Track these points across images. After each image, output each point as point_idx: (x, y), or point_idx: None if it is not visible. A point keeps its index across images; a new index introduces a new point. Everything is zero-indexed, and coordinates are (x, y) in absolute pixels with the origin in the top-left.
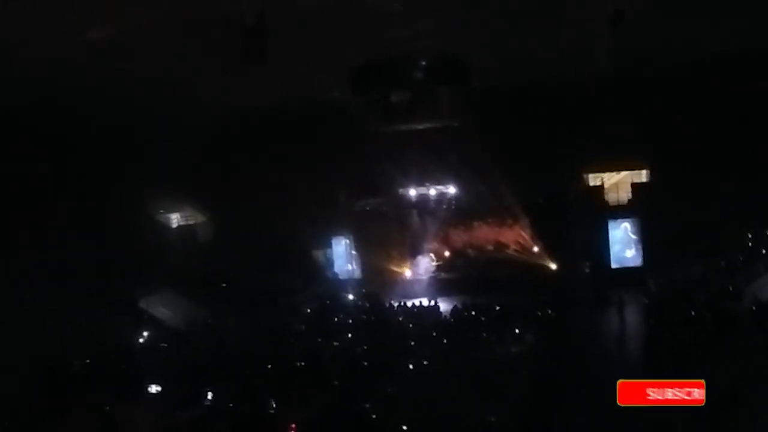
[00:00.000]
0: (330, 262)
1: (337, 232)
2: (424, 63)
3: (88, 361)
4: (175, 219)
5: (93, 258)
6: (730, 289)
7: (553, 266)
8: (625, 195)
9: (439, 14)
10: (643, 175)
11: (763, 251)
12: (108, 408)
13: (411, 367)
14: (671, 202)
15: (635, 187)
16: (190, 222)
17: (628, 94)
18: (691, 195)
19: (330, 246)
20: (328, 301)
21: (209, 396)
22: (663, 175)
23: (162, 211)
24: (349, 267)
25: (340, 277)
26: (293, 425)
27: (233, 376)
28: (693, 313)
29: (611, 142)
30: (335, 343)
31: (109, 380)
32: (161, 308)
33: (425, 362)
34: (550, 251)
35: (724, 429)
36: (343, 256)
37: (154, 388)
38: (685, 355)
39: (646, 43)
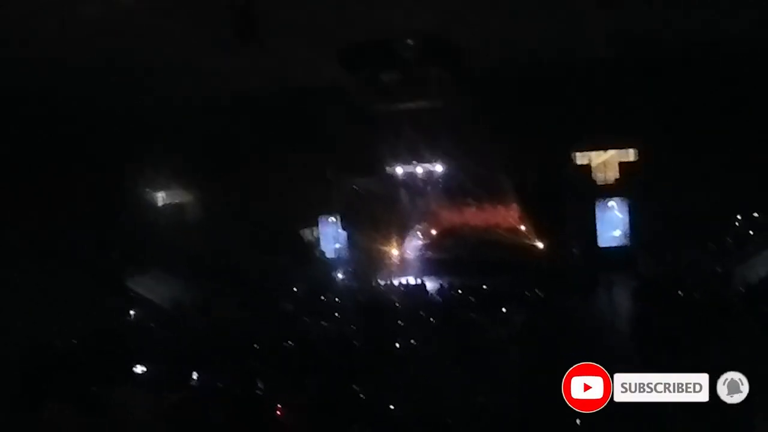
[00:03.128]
0: (317, 242)
1: (325, 211)
2: (415, 43)
3: (74, 341)
4: (161, 198)
5: (80, 237)
6: (720, 271)
7: (541, 246)
8: (612, 174)
9: None
10: (630, 155)
11: (752, 233)
12: (94, 388)
13: (398, 346)
14: (660, 182)
15: (623, 166)
16: (177, 201)
17: (619, 74)
18: (680, 176)
19: (317, 225)
20: (315, 281)
21: (196, 377)
22: (651, 154)
23: (149, 189)
24: (337, 246)
25: (328, 256)
26: (280, 406)
27: (221, 357)
28: (681, 294)
29: (600, 123)
30: (323, 323)
31: (95, 361)
32: (149, 288)
33: (413, 342)
34: (538, 231)
35: (710, 410)
36: (330, 236)
37: (141, 369)
38: (674, 336)
39: (638, 25)
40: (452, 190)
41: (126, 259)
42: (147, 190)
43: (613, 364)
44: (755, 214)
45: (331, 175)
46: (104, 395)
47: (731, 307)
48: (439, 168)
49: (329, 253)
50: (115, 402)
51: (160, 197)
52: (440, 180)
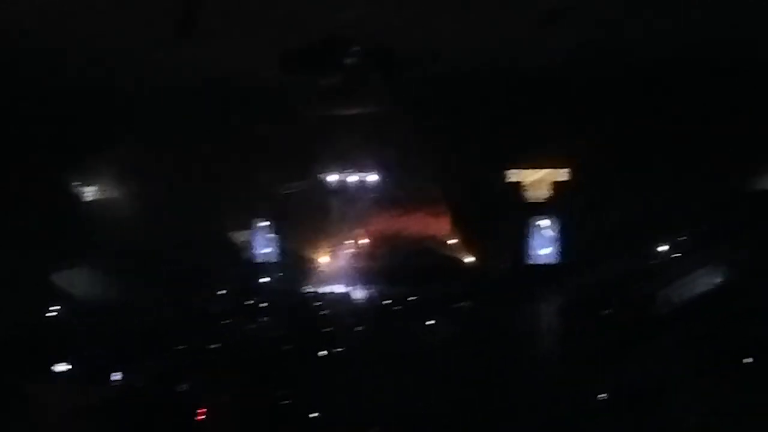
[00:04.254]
0: (248, 245)
1: (257, 215)
2: (356, 48)
3: None
4: (91, 192)
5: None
6: (644, 291)
7: (470, 260)
8: (544, 193)
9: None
10: (562, 174)
11: (677, 256)
12: (13, 385)
13: (325, 354)
14: (589, 203)
15: (555, 185)
16: (107, 196)
17: (555, 91)
18: (609, 197)
19: (249, 228)
20: (243, 284)
21: (118, 376)
22: (582, 175)
23: (78, 183)
24: (267, 250)
25: (258, 260)
26: (203, 409)
27: (145, 356)
28: (605, 313)
29: (535, 140)
30: (250, 327)
31: (15, 357)
32: (73, 283)
33: (338, 350)
34: (468, 245)
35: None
36: (261, 239)
37: (61, 367)
38: (595, 353)
39: (578, 41)
40: (385, 199)
41: (49, 252)
42: (74, 183)
43: (537, 379)
44: (683, 237)
45: (265, 178)
46: (23, 392)
47: (655, 326)
48: (372, 176)
49: (259, 257)
50: (34, 400)
51: (88, 191)
52: (373, 188)
